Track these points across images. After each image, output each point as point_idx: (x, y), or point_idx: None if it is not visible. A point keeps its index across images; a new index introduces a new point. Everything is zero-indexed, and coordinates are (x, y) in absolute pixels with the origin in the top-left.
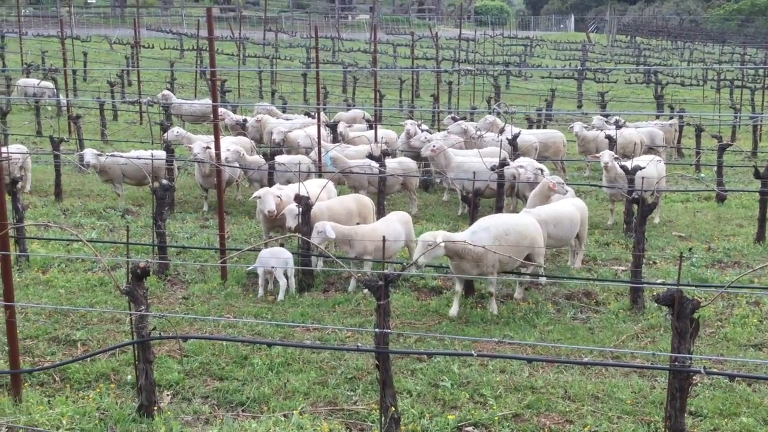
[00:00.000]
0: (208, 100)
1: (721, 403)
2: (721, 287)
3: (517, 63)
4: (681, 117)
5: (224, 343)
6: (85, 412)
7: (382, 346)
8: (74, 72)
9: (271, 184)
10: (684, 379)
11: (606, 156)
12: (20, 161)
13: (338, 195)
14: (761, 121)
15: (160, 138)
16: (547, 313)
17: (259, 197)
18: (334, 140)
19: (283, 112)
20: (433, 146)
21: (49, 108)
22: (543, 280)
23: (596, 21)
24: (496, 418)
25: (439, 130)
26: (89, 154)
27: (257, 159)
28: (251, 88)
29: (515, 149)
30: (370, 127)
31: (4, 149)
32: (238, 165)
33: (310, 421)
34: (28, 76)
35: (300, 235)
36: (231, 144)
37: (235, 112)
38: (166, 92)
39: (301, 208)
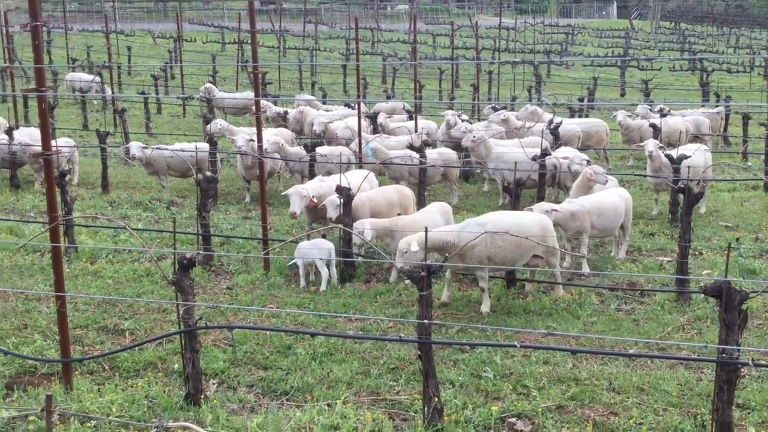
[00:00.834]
0: (250, 93)
1: None
2: None
3: (559, 51)
4: (727, 104)
5: (268, 332)
6: (134, 399)
7: (424, 337)
8: (119, 66)
9: (312, 175)
10: (732, 372)
11: (651, 145)
12: (68, 154)
13: (379, 186)
14: None
15: (203, 130)
16: (591, 305)
17: (289, 194)
18: (375, 131)
19: (323, 103)
20: (474, 136)
21: (95, 102)
22: (586, 270)
23: (639, 7)
24: (540, 410)
25: (479, 121)
26: (135, 147)
27: (298, 150)
28: (291, 79)
29: (557, 139)
30: (410, 118)
31: (53, 143)
32: (279, 156)
33: (354, 411)
34: (74, 71)
35: (341, 226)
36: (272, 136)
37: (275, 104)
38: (208, 85)
39: (342, 200)
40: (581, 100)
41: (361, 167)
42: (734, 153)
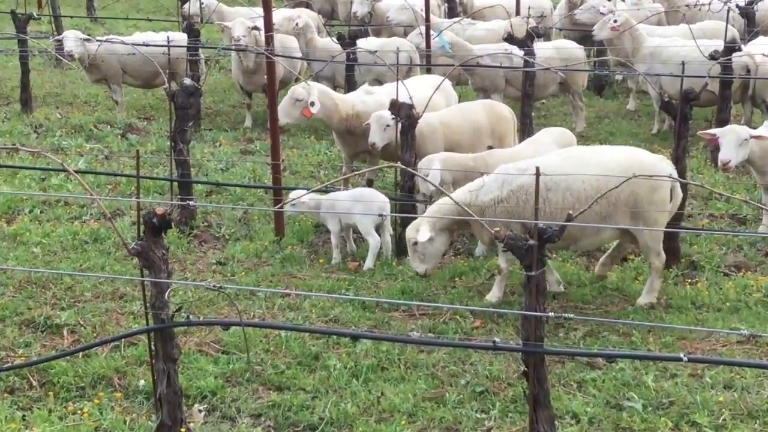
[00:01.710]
0: None
1: None
2: None
3: None
4: None
5: (283, 334)
6: None
7: (533, 343)
8: None
9: (350, 85)
10: None
11: None
12: None
13: (458, 101)
14: None
15: (177, 13)
16: None
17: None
18: (451, 13)
19: None
20: (614, 21)
21: None
22: None
23: None
24: None
25: None
26: (72, 39)
27: (328, 44)
28: None
29: (751, 23)
30: None
31: None
32: (299, 55)
33: None
34: None
35: (397, 165)
36: (287, 20)
37: None
38: None
39: (397, 121)
40: None
41: (428, 71)
42: None
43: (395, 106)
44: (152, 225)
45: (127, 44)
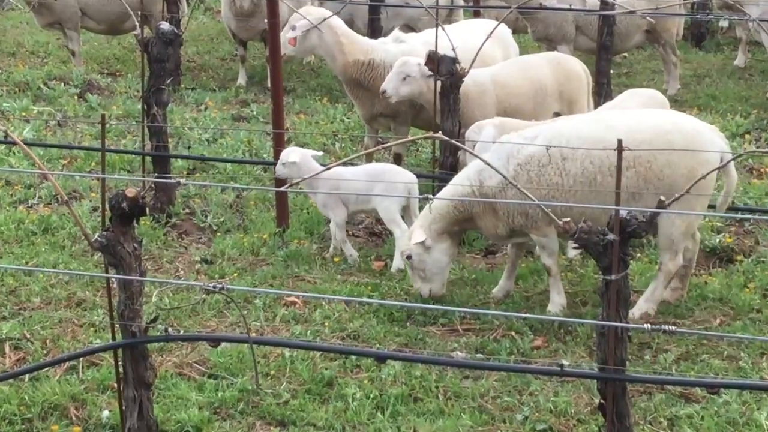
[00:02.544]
0: None
1: None
2: None
3: None
4: None
5: (287, 353)
6: None
7: (612, 368)
8: None
9: (375, 32)
10: None
11: None
12: None
13: (517, 54)
14: None
15: None
16: None
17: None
18: None
19: None
20: None
21: None
22: None
23: None
24: None
25: None
26: None
27: None
28: None
29: None
30: None
31: None
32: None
33: None
34: None
35: (439, 135)
36: None
37: None
38: None
39: (438, 79)
40: None
41: (477, 14)
42: None
43: (433, 59)
44: (121, 211)
45: None
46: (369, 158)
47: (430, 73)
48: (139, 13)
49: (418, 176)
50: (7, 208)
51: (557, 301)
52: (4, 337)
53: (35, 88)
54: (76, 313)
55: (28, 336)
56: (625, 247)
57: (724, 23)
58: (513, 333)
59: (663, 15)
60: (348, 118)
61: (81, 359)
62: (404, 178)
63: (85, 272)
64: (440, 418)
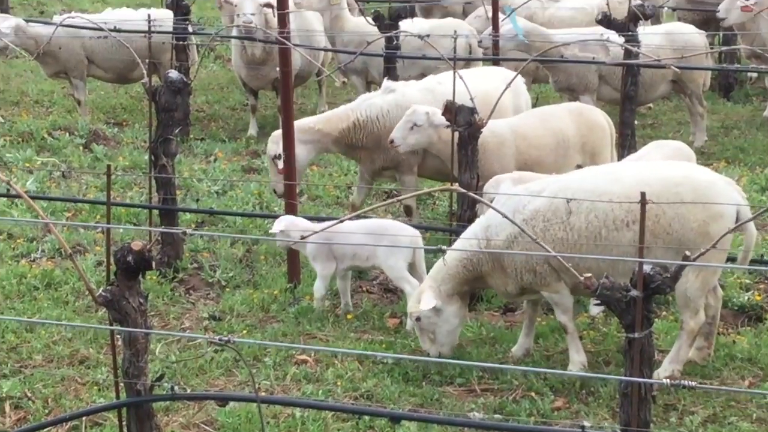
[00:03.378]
0: None
1: None
2: None
3: None
4: None
5: (297, 413)
6: None
7: (635, 429)
8: None
9: (394, 79)
10: None
11: None
12: None
13: (534, 104)
14: None
15: None
16: None
17: None
18: None
19: None
20: None
21: None
22: None
23: None
24: None
25: None
26: (6, 23)
27: (360, 25)
28: None
29: None
30: None
31: None
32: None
33: None
34: None
35: (456, 187)
36: None
37: None
38: None
39: (455, 129)
40: None
41: (496, 64)
42: None
43: (450, 109)
44: (126, 265)
45: (94, 23)
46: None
47: (440, 122)
48: (147, 61)
49: (435, 230)
50: (9, 262)
51: (577, 359)
52: (4, 395)
53: (39, 138)
54: (79, 370)
55: (29, 395)
56: (648, 303)
57: (752, 73)
58: (533, 393)
59: (688, 69)
60: None
61: (84, 419)
62: (407, 233)
63: (87, 325)
64: None
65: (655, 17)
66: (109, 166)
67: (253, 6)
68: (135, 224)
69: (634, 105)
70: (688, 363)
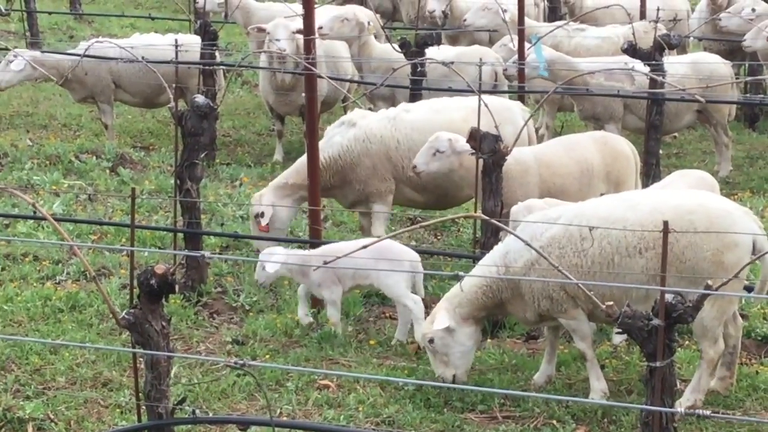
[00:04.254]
0: None
1: None
2: None
3: None
4: None
5: None
6: None
7: None
8: None
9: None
10: None
11: None
12: None
13: (559, 132)
14: None
15: (188, 8)
16: None
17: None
18: (553, 15)
19: None
20: None
21: None
22: None
23: None
24: None
25: None
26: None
27: (387, 52)
28: None
29: None
30: None
31: None
32: (350, 66)
33: None
34: None
35: (479, 214)
36: (339, 20)
37: None
38: None
39: (479, 157)
40: None
41: (522, 98)
42: None
43: (475, 137)
44: (150, 288)
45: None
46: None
47: (462, 149)
48: (174, 85)
49: (459, 257)
50: (35, 284)
51: (597, 387)
52: (27, 417)
53: (66, 162)
54: (102, 393)
55: (52, 417)
56: (670, 332)
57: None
58: (554, 421)
59: (715, 102)
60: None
61: None
62: (407, 256)
63: (108, 347)
64: None
65: (681, 47)
66: (133, 189)
67: (285, 33)
68: (160, 248)
69: (659, 134)
70: (710, 393)
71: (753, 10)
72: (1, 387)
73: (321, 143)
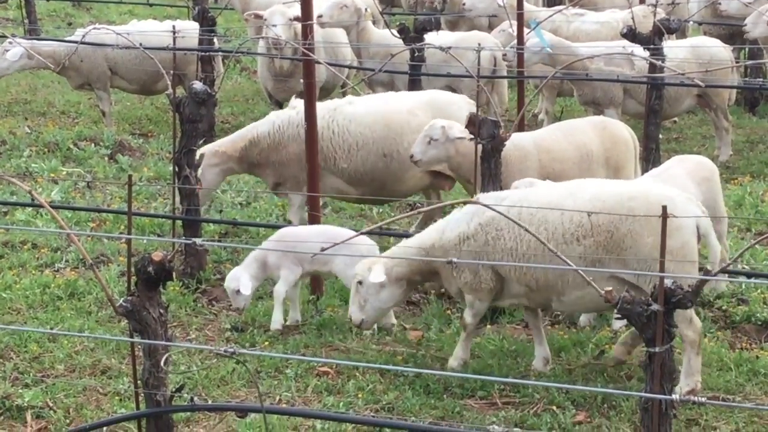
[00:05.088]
0: None
1: None
2: None
3: None
4: None
5: (318, 425)
6: None
7: None
8: None
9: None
10: None
11: None
12: None
13: (559, 117)
14: None
15: None
16: None
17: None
18: (552, 1)
19: None
20: None
21: None
22: None
23: None
24: None
25: None
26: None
27: (386, 37)
28: None
29: None
30: None
31: None
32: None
33: None
34: None
35: (476, 200)
36: (334, 8)
37: None
38: None
39: (479, 142)
40: None
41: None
42: None
43: (474, 122)
44: (147, 275)
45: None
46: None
47: (455, 135)
48: (172, 72)
49: None
50: (33, 272)
51: (459, 355)
52: (26, 405)
53: (65, 149)
54: (101, 381)
55: (51, 404)
56: (670, 318)
57: (759, 87)
58: (554, 407)
59: (714, 86)
60: None
61: (104, 429)
62: (366, 242)
63: (104, 336)
64: None
65: (680, 31)
66: (130, 176)
67: (282, 18)
68: (159, 235)
69: (659, 119)
70: (717, 376)
71: None
72: (1, 374)
73: (260, 121)
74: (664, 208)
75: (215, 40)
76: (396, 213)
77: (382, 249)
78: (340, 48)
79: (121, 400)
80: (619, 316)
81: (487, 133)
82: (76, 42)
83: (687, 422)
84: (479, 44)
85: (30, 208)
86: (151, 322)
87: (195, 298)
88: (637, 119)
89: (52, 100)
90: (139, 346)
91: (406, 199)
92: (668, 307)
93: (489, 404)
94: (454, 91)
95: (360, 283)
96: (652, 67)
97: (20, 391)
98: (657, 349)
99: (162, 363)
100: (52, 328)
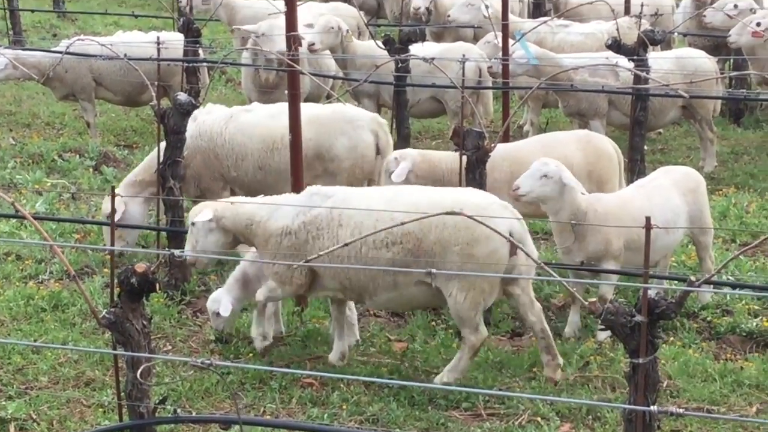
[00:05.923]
0: None
1: None
2: None
3: None
4: None
5: None
6: None
7: None
8: None
9: (400, 105)
10: None
11: None
12: None
13: (544, 129)
14: None
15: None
16: None
17: None
18: (537, 12)
19: None
20: (758, 24)
21: None
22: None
23: None
24: None
25: None
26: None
27: (371, 49)
28: None
29: None
30: None
31: None
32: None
33: None
34: None
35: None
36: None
37: None
38: None
39: (463, 153)
40: None
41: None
42: None
43: (459, 134)
44: (130, 287)
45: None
46: None
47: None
48: (156, 83)
49: None
50: (17, 283)
51: (337, 351)
52: (9, 417)
53: (49, 160)
54: (85, 392)
55: (35, 416)
56: (653, 329)
57: (765, 99)
58: (539, 418)
59: (699, 97)
60: None
61: None
62: None
63: (87, 348)
64: None
65: (665, 43)
66: (113, 188)
67: (266, 27)
68: (144, 246)
69: (644, 130)
70: (696, 390)
71: (735, 6)
72: None
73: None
74: (648, 219)
75: (200, 51)
76: None
77: None
78: (324, 58)
79: (104, 412)
80: (603, 327)
81: (472, 144)
82: (60, 52)
83: None
84: (464, 55)
85: (14, 220)
86: (134, 333)
87: (179, 310)
88: (622, 130)
89: (37, 111)
90: (122, 358)
91: None
92: (652, 318)
93: (474, 416)
94: (439, 102)
95: (193, 224)
96: (637, 79)
97: (3, 403)
98: (641, 360)
99: (138, 375)
100: (35, 340)
